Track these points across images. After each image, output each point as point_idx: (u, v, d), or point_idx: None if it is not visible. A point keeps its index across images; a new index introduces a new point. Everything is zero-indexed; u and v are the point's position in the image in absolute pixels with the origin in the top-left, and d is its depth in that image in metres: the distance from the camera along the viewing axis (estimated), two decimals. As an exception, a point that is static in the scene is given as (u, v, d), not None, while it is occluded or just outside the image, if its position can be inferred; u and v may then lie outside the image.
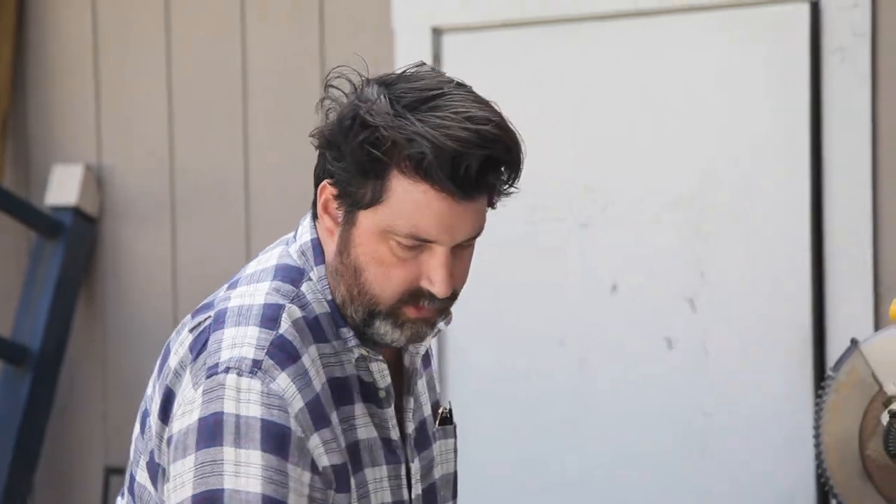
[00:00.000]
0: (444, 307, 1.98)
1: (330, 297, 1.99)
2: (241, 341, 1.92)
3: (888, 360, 2.82)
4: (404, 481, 2.05)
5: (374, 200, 1.91)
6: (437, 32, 3.84)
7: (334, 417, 1.95)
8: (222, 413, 1.88)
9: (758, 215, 3.53)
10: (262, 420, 1.88)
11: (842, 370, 2.86)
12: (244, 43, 4.06)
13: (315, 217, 2.02)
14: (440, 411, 2.19)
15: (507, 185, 1.95)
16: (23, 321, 4.16)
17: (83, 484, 4.26)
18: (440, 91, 1.90)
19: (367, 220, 1.92)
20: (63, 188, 4.18)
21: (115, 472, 4.18)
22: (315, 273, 2.01)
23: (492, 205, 1.97)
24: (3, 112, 4.27)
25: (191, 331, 2.01)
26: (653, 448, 3.64)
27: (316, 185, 1.99)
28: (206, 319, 2.00)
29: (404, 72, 1.96)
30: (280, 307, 1.95)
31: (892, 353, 2.83)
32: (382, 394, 2.02)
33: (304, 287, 1.99)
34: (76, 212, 4.16)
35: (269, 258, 2.05)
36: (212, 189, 4.10)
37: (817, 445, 2.88)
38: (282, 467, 1.87)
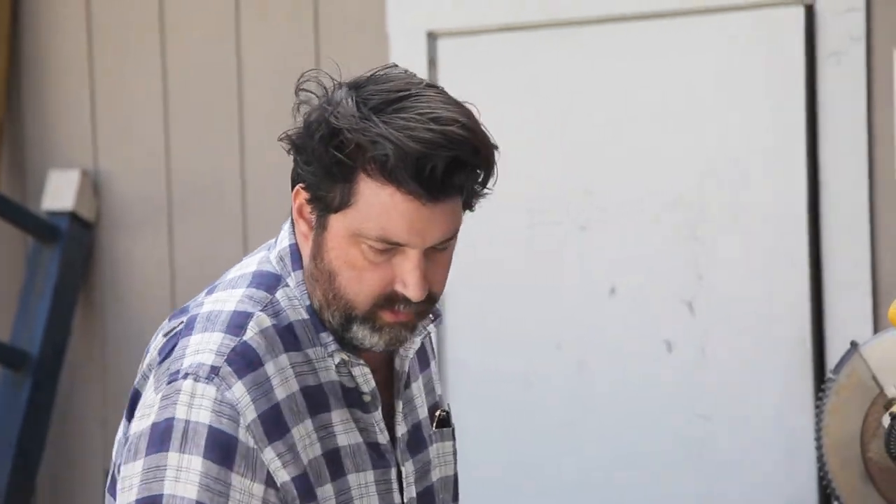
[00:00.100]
0: (421, 311, 1.95)
1: (308, 303, 1.97)
2: (203, 347, 1.91)
3: (888, 362, 2.83)
4: (395, 485, 2.03)
5: (343, 204, 1.89)
6: (433, 37, 3.83)
7: (304, 427, 1.92)
8: (174, 419, 1.87)
9: (755, 218, 3.53)
10: (210, 427, 1.86)
11: (842, 372, 2.87)
12: (239, 46, 4.06)
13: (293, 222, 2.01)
14: (438, 413, 2.15)
15: (480, 187, 1.91)
16: (21, 326, 4.15)
17: (83, 488, 4.25)
18: (407, 92, 1.87)
19: (338, 223, 1.90)
20: (59, 193, 4.17)
21: (114, 476, 4.18)
22: (293, 279, 1.98)
23: (468, 206, 1.94)
24: (-2, 117, 4.28)
25: (165, 335, 2.00)
26: (652, 451, 3.63)
27: (292, 190, 1.98)
28: (179, 324, 1.99)
29: (374, 73, 1.93)
30: (248, 315, 1.93)
31: (892, 356, 2.84)
32: (367, 398, 2.00)
33: (280, 294, 1.97)
34: (73, 217, 4.14)
35: (250, 264, 2.03)
36: (209, 191, 4.10)
37: (818, 448, 2.89)
38: (223, 477, 1.85)
